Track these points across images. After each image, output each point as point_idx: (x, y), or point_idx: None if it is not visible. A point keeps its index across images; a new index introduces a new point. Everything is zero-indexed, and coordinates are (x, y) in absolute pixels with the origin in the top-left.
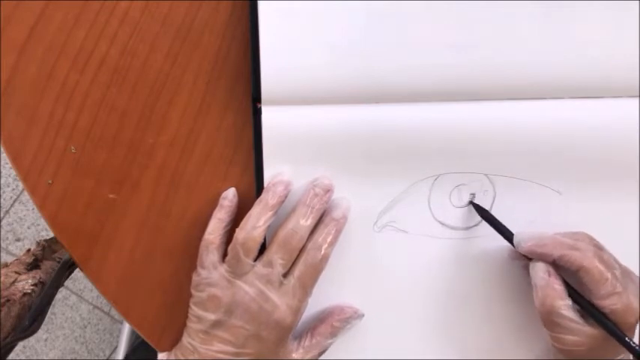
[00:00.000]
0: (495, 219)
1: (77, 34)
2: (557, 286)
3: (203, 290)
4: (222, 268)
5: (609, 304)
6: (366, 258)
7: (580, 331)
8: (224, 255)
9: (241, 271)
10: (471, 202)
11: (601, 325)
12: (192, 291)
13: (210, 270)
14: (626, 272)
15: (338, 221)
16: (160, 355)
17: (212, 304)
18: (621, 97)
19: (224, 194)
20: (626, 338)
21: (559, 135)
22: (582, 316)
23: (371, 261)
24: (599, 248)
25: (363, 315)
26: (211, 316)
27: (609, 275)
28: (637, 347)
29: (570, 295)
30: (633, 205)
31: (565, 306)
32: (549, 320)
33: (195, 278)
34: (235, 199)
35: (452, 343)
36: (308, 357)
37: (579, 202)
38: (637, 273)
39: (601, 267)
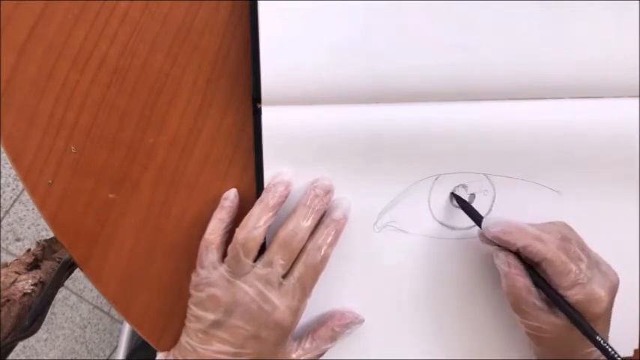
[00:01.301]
0: (465, 201)
1: (77, 34)
2: (519, 275)
3: (202, 290)
4: (222, 268)
5: (572, 294)
6: (366, 258)
7: (544, 318)
8: (224, 255)
9: (241, 271)
10: (452, 193)
11: (565, 314)
12: (192, 291)
13: (210, 270)
14: (594, 262)
15: (338, 222)
16: (159, 355)
17: (211, 304)
18: (621, 97)
19: (225, 195)
20: (585, 324)
21: (559, 135)
22: (549, 304)
23: (371, 261)
24: (566, 239)
25: (363, 320)
26: (210, 316)
27: (572, 267)
28: (596, 335)
29: (536, 284)
30: (633, 205)
31: (529, 293)
32: (516, 306)
33: (194, 279)
34: (236, 200)
35: (453, 342)
36: (307, 358)
37: (579, 202)
38: (637, 272)
39: (564, 259)
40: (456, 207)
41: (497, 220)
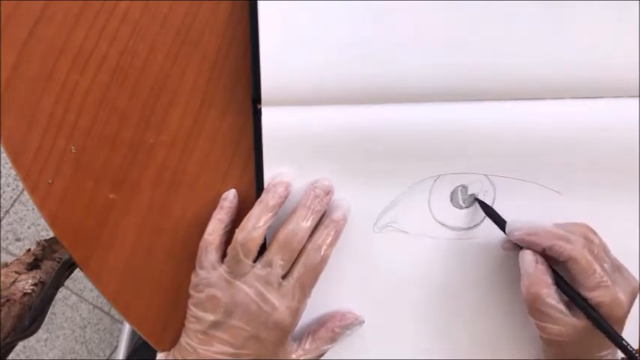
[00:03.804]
0: (489, 206)
1: (77, 34)
2: (544, 274)
3: (202, 291)
4: (222, 269)
5: (596, 295)
6: (366, 258)
7: (564, 321)
8: (223, 255)
9: (241, 271)
10: (475, 198)
11: (587, 317)
12: (191, 292)
13: (210, 270)
14: (616, 266)
15: (337, 222)
16: (159, 356)
17: (211, 304)
18: (621, 97)
19: (224, 195)
20: (613, 330)
21: (559, 135)
22: (569, 307)
23: (371, 261)
24: (590, 241)
25: (363, 321)
26: (210, 317)
27: (597, 267)
28: (622, 339)
29: (558, 286)
30: (633, 205)
31: (550, 295)
32: (534, 308)
33: (194, 279)
34: (235, 200)
35: (453, 343)
36: (306, 358)
37: (579, 202)
38: (637, 272)
39: (590, 258)
40: (457, 208)
41: (520, 222)
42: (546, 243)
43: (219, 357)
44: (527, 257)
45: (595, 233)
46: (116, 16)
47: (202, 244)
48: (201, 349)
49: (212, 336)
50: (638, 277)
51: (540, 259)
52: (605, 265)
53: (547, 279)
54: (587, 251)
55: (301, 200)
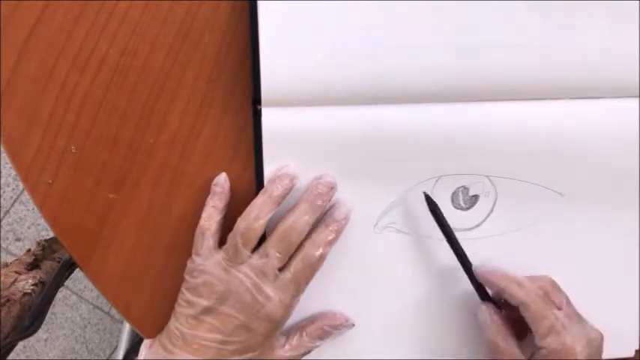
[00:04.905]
0: (458, 245)
1: (77, 34)
2: (500, 327)
3: (197, 277)
4: (219, 256)
5: (547, 343)
6: (366, 259)
7: None
8: (219, 242)
9: (238, 260)
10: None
11: None
12: (186, 277)
13: (207, 257)
14: (576, 316)
15: (339, 222)
16: (145, 341)
17: (206, 290)
18: (621, 97)
19: (215, 181)
20: None
21: (559, 136)
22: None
23: (371, 262)
24: (546, 289)
25: (353, 325)
26: (203, 302)
27: (549, 314)
28: None
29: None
30: (634, 205)
31: (508, 344)
32: (494, 356)
33: (189, 265)
34: (227, 185)
35: (453, 343)
36: (293, 354)
37: (580, 203)
38: (637, 272)
39: (541, 304)
40: (458, 209)
41: (484, 264)
42: (501, 284)
43: (208, 343)
44: (483, 310)
45: (555, 285)
46: (116, 16)
47: (198, 230)
48: (189, 334)
49: (202, 321)
50: (638, 279)
51: (497, 311)
52: (559, 314)
53: (503, 330)
54: (538, 298)
55: (304, 195)
